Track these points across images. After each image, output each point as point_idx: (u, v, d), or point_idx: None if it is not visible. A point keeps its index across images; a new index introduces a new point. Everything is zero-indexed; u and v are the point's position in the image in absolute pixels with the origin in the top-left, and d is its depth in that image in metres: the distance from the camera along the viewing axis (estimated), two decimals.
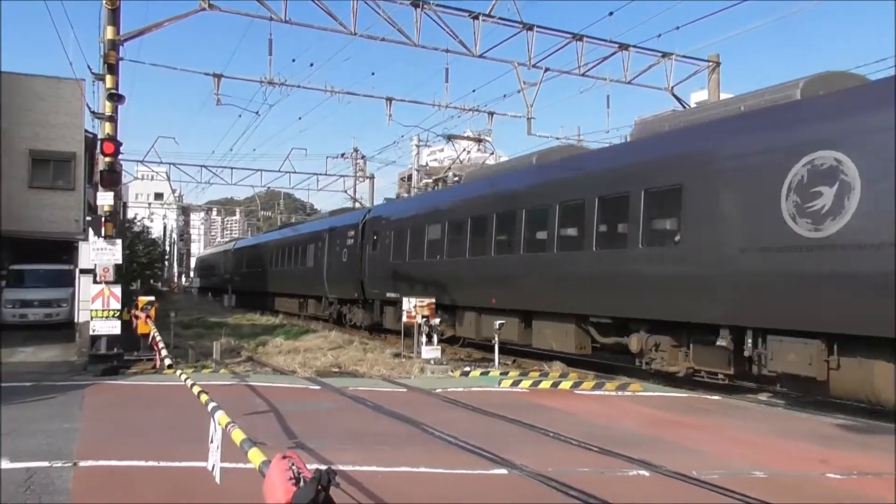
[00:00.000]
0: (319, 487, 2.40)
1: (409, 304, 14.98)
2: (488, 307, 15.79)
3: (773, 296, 9.66)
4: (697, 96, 36.01)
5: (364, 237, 23.12)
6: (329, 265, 25.78)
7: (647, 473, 6.51)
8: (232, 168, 40.83)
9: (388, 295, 20.32)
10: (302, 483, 2.54)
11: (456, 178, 24.32)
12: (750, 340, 10.10)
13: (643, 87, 22.51)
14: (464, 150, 29.65)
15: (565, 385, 12.01)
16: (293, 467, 2.70)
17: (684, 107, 25.34)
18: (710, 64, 23.58)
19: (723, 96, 25.61)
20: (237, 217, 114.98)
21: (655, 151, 12.37)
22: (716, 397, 11.38)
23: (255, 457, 3.49)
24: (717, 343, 10.60)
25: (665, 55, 21.81)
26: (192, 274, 69.00)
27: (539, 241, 14.64)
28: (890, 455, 7.45)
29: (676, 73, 22.57)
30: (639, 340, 12.10)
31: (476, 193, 17.85)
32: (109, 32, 13.31)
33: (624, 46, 20.95)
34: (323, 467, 2.63)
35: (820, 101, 9.88)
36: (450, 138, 28.05)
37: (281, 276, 32.52)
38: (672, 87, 22.74)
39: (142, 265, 37.19)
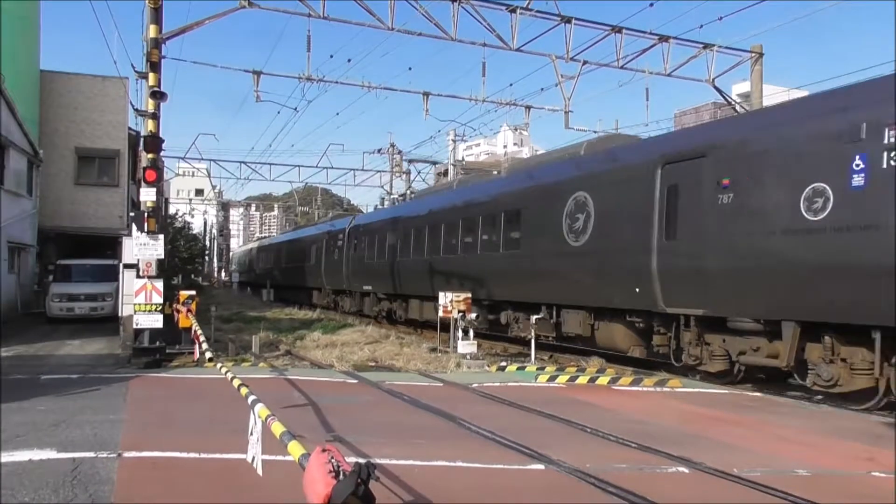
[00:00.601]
0: (359, 481, 2.41)
1: (445, 298, 14.99)
2: (427, 295, 20.70)
3: (563, 283, 14.66)
4: (739, 88, 35.34)
5: (348, 240, 28.41)
6: (326, 262, 31.18)
7: (686, 470, 6.41)
8: (270, 164, 41.44)
9: (365, 287, 26.18)
10: (342, 476, 2.56)
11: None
12: (555, 313, 15.08)
13: (683, 79, 22.12)
14: (504, 145, 30.92)
15: (603, 380, 11.90)
16: (332, 460, 2.72)
17: (726, 99, 24.84)
18: (753, 55, 23.04)
19: (765, 88, 25.03)
20: (275, 213, 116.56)
21: (509, 185, 18.34)
22: (758, 394, 11.15)
23: (295, 449, 3.53)
24: (542, 315, 15.09)
25: (706, 46, 21.39)
26: (231, 267, 70.05)
27: (451, 246, 19.91)
28: None
29: (718, 65, 22.12)
30: (506, 316, 17.02)
31: (415, 210, 23.92)
32: (152, 31, 13.56)
33: (664, 38, 20.61)
34: (362, 461, 2.65)
35: (582, 158, 15.69)
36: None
37: (300, 271, 36.34)
38: (713, 79, 22.30)
39: (183, 260, 37.94)
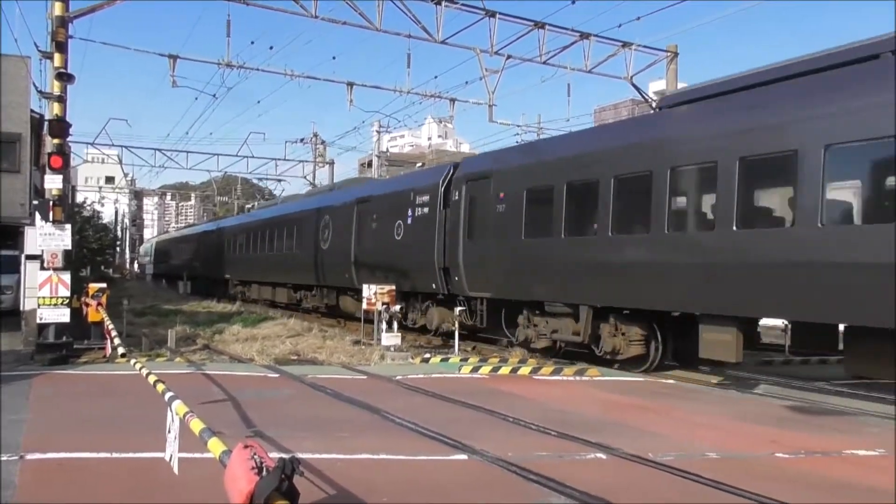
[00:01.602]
0: (283, 476, 2.36)
1: (369, 290, 14.91)
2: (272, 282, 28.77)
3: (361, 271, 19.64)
4: (656, 85, 36.60)
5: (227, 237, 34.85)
6: (233, 252, 34.46)
7: (604, 456, 6.62)
8: (188, 152, 40.03)
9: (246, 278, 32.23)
10: (265, 472, 2.50)
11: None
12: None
13: (603, 76, 22.72)
14: (428, 137, 31.03)
15: (525, 371, 12.12)
16: (255, 456, 2.66)
17: (643, 96, 25.68)
18: (669, 54, 23.89)
19: (680, 86, 26.03)
20: (192, 202, 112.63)
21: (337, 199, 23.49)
22: (671, 381, 11.63)
23: (216, 446, 3.42)
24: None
25: (625, 45, 22.01)
26: (146, 259, 67.32)
27: (273, 245, 27.11)
28: (842, 434, 7.75)
29: (636, 63, 22.81)
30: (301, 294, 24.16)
31: (255, 217, 33.83)
32: (58, 8, 12.79)
33: (585, 35, 21.06)
34: (286, 456, 2.59)
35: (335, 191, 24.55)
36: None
37: (219, 263, 37.28)
38: (631, 77, 22.98)
39: (92, 251, 36.16)
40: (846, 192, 9.64)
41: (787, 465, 6.60)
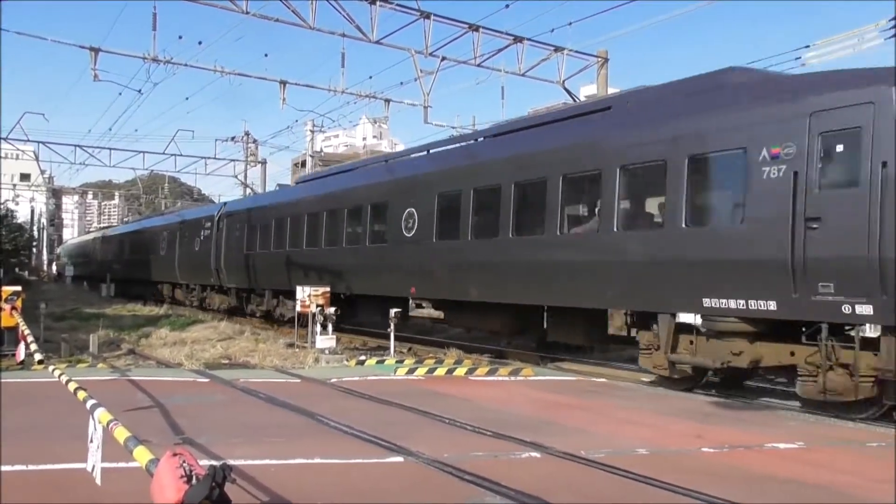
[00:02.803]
0: (214, 484, 2.28)
1: (303, 292, 14.69)
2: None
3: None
4: (587, 90, 37.37)
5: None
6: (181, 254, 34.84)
7: (538, 455, 6.71)
8: (111, 149, 38.35)
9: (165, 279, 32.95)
10: (194, 481, 2.41)
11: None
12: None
13: (536, 79, 23.07)
14: (363, 138, 31.54)
15: (460, 371, 12.18)
16: (184, 465, 2.56)
17: (574, 100, 26.19)
18: (599, 59, 24.45)
19: (611, 90, 26.70)
20: (116, 201, 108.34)
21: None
22: (602, 380, 11.90)
23: (142, 455, 3.29)
24: None
25: (557, 49, 22.42)
26: (66, 261, 64.37)
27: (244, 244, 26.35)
28: (763, 428, 8.09)
29: (568, 68, 23.26)
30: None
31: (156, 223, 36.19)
32: None
33: (518, 39, 21.35)
34: (217, 463, 2.51)
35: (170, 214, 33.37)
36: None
37: (146, 264, 35.37)
38: (563, 81, 23.42)
39: (6, 252, 34.33)
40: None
41: (713, 459, 6.85)
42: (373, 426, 7.62)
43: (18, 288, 13.79)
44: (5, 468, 5.91)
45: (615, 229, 11.02)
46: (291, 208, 20.93)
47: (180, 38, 28.54)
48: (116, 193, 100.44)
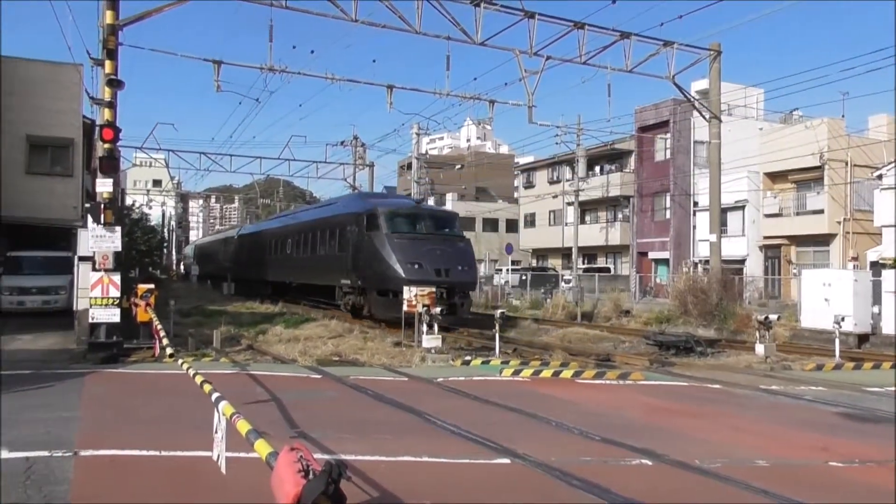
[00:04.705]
0: (330, 480, 2.36)
1: (409, 292, 14.94)
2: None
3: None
4: (698, 85, 35.91)
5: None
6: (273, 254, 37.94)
7: (650, 462, 6.50)
8: (231, 155, 40.97)
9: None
10: (311, 475, 2.50)
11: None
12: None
13: (645, 75, 22.43)
14: (467, 139, 31.48)
15: (567, 374, 12.00)
16: (301, 459, 2.66)
17: (685, 96, 25.23)
18: (712, 53, 23.44)
19: (724, 85, 25.50)
20: (236, 205, 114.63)
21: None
22: (717, 386, 11.38)
23: (262, 448, 3.45)
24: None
25: (667, 44, 21.69)
26: (191, 261, 68.98)
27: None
28: (890, 442, 7.46)
29: (678, 62, 22.48)
30: None
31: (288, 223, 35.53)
32: (108, 17, 13.16)
33: (625, 35, 20.82)
34: (331, 458, 2.59)
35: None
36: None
37: (262, 265, 37.14)
38: (673, 76, 22.63)
39: (141, 252, 37.08)
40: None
41: (841, 475, 6.39)
42: (479, 427, 7.65)
43: (152, 286, 14.86)
44: (142, 453, 6.40)
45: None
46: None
47: (294, 47, 30.30)
48: (236, 197, 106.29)
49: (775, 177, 37.67)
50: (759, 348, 14.15)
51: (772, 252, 37.88)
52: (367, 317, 20.91)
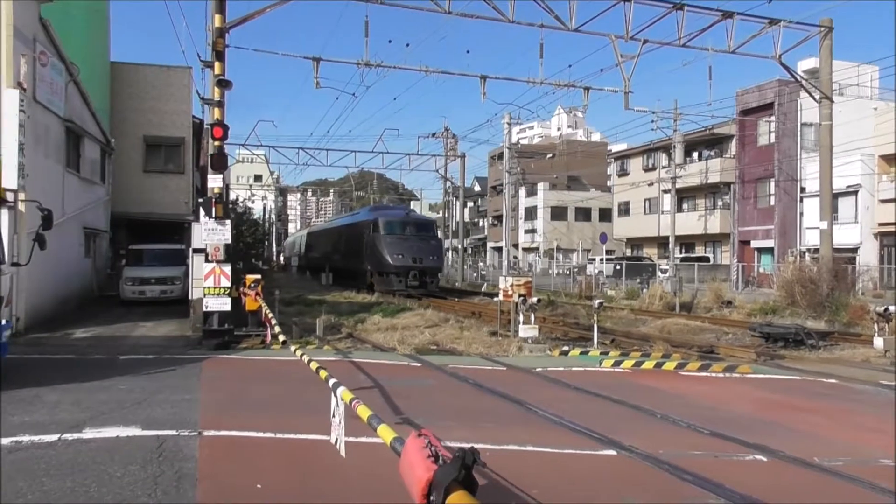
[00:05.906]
0: (463, 466, 2.43)
1: (505, 282, 14.98)
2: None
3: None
4: (805, 64, 33.95)
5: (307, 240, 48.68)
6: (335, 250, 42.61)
7: (764, 458, 6.28)
8: (328, 150, 42.36)
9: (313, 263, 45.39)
10: (441, 461, 2.59)
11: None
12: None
13: (749, 55, 21.43)
14: (558, 128, 31.52)
15: (669, 366, 11.72)
16: (430, 445, 2.76)
17: (793, 76, 23.91)
18: (822, 29, 22.10)
19: (835, 63, 23.99)
20: (331, 198, 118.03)
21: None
22: (833, 381, 10.82)
23: (385, 433, 3.59)
24: None
25: (773, 22, 20.65)
26: (291, 252, 71.76)
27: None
28: None
29: (785, 41, 21.33)
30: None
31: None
32: (217, 21, 13.82)
33: (728, 14, 19.97)
34: (466, 446, 2.67)
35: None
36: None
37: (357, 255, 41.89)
38: (780, 56, 21.51)
39: (247, 245, 38.83)
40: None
41: None
42: (582, 417, 7.61)
43: (259, 276, 15.57)
44: (260, 434, 6.76)
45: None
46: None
47: (390, 42, 30.96)
48: (331, 190, 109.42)
49: (891, 159, 35.16)
50: (878, 342, 13.34)
51: (888, 240, 35.43)
52: (371, 290, 29.15)
